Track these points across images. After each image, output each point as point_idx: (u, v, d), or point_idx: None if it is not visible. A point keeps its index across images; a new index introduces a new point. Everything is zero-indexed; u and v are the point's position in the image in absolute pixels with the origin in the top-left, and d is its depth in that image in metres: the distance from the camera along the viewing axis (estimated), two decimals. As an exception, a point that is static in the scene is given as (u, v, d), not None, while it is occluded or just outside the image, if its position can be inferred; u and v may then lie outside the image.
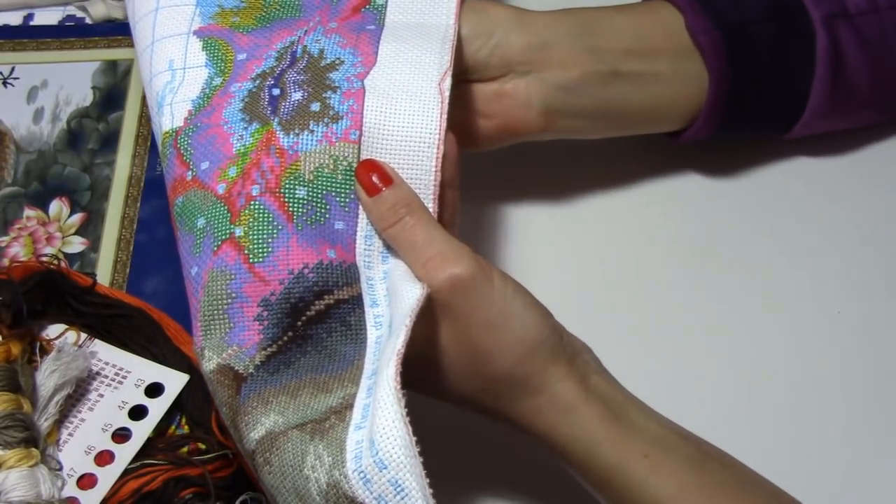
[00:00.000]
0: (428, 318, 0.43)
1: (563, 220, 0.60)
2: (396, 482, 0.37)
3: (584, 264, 0.58)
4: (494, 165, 0.61)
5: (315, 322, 0.44)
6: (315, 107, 0.47)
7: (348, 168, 0.46)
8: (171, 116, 0.49)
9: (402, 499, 0.37)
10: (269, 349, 0.43)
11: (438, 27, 0.50)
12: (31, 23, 0.72)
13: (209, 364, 0.43)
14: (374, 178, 0.45)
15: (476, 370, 0.43)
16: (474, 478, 0.51)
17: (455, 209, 0.48)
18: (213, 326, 0.43)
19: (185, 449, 0.51)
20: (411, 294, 0.42)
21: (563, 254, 0.59)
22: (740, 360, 0.55)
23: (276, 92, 0.48)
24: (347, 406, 0.41)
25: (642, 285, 0.57)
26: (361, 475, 0.37)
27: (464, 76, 0.52)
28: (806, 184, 0.61)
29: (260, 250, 0.44)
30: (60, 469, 0.50)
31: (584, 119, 0.55)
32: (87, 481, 0.50)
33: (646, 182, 0.61)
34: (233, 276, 0.44)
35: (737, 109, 0.56)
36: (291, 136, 0.46)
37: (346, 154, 0.46)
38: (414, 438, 0.37)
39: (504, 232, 0.60)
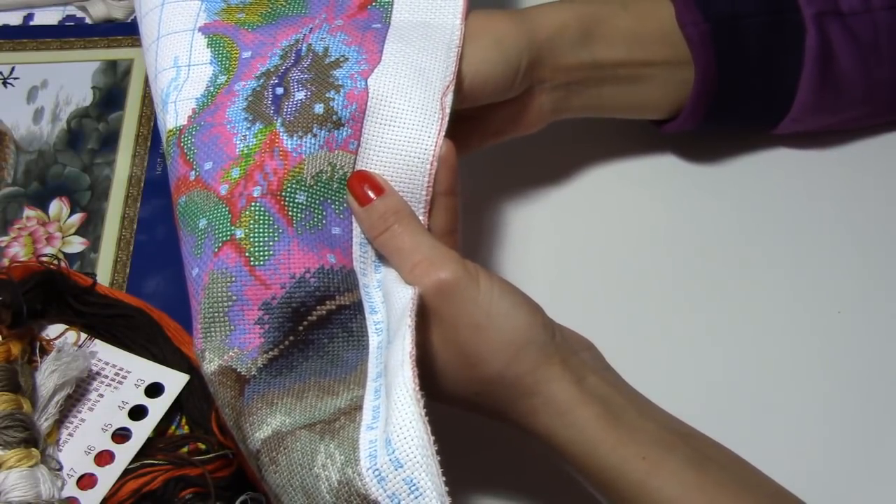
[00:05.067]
0: (418, 324, 0.43)
1: (561, 218, 0.60)
2: (411, 481, 0.37)
3: (583, 262, 0.58)
4: (490, 165, 0.61)
5: (317, 327, 0.44)
6: (318, 109, 0.47)
7: (343, 177, 0.46)
8: (175, 114, 0.49)
9: (416, 498, 0.37)
10: (270, 353, 0.43)
11: (445, 28, 0.50)
12: (31, 23, 0.72)
13: (210, 366, 0.43)
14: (366, 189, 0.46)
15: (469, 374, 0.43)
16: (490, 478, 0.51)
17: (456, 216, 0.48)
18: (213, 329, 0.43)
19: (185, 449, 0.51)
20: (404, 295, 0.42)
21: (561, 251, 0.59)
22: (740, 359, 0.55)
23: (279, 91, 0.48)
24: (356, 407, 0.41)
25: (642, 284, 0.57)
26: (376, 473, 0.37)
27: (490, 101, 0.53)
28: (808, 181, 0.61)
29: (261, 253, 0.44)
30: (60, 469, 0.50)
31: (578, 111, 0.57)
32: (87, 481, 0.50)
33: (648, 180, 0.61)
34: (233, 279, 0.44)
35: (722, 102, 0.56)
36: (295, 139, 0.46)
37: (343, 163, 0.46)
38: (432, 438, 0.37)
39: (501, 230, 0.60)
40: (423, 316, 0.43)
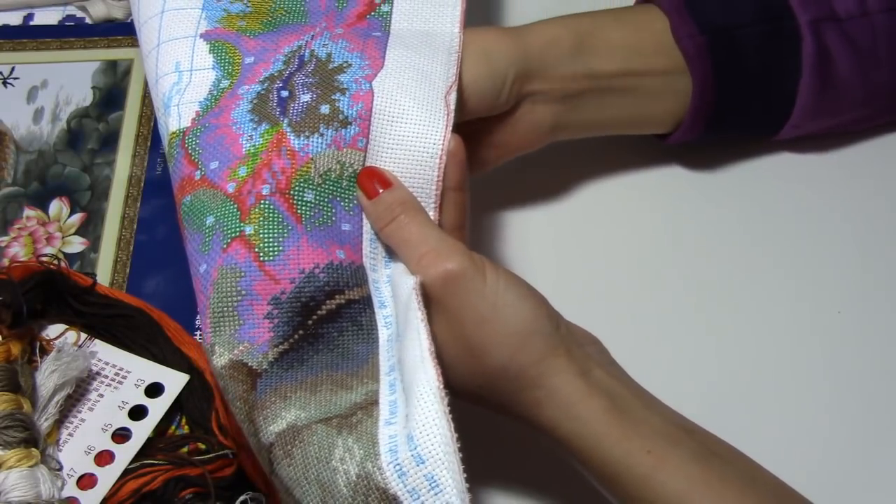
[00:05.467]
0: (429, 315, 0.43)
1: (563, 225, 0.60)
2: (432, 477, 0.37)
3: (585, 267, 0.58)
4: (492, 173, 0.61)
5: (326, 321, 0.44)
6: (324, 109, 0.47)
7: (353, 175, 0.47)
8: (178, 117, 0.50)
9: (436, 494, 0.37)
10: (280, 346, 0.43)
11: (444, 35, 0.51)
12: (31, 23, 0.72)
13: (220, 360, 0.43)
14: (375, 183, 0.46)
15: (474, 366, 0.43)
16: (501, 475, 0.51)
17: (465, 211, 0.48)
18: (222, 323, 0.44)
19: (185, 449, 0.51)
20: (406, 284, 0.43)
21: (563, 257, 0.59)
22: (741, 360, 0.55)
23: (284, 94, 0.48)
24: (372, 402, 0.41)
25: (642, 285, 0.58)
26: (397, 468, 0.38)
27: (478, 116, 0.52)
28: (807, 183, 0.61)
29: (270, 249, 0.44)
30: (60, 469, 0.50)
31: (580, 129, 0.56)
32: (87, 481, 0.50)
33: (647, 183, 0.61)
34: (243, 274, 0.44)
35: (721, 113, 0.56)
36: (302, 139, 0.47)
37: (352, 161, 0.47)
38: (455, 436, 0.38)
39: (504, 237, 0.60)
40: (428, 307, 0.43)
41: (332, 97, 0.47)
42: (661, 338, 0.56)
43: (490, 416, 0.47)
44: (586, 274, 0.58)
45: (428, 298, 0.43)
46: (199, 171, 0.47)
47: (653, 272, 0.58)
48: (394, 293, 0.45)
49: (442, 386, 0.39)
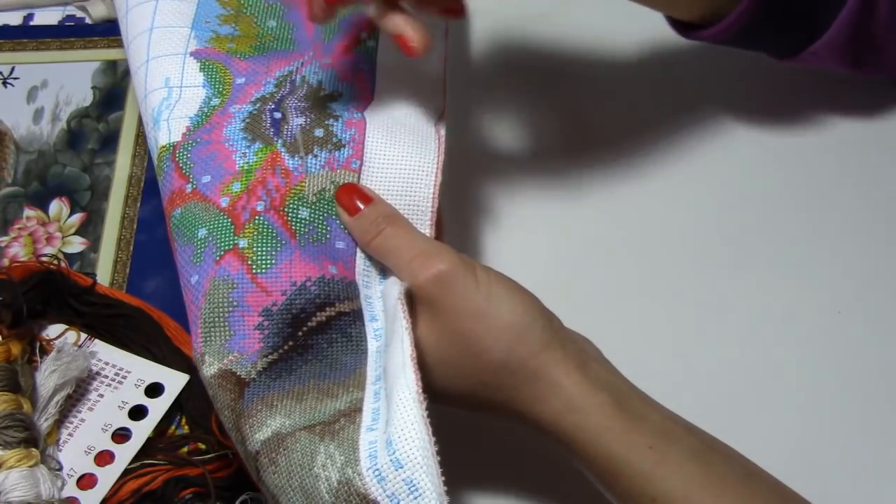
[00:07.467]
0: (416, 321, 0.43)
1: (563, 219, 0.60)
2: (411, 481, 0.37)
3: (582, 265, 0.58)
4: (492, 163, 0.61)
5: (316, 332, 0.44)
6: (319, 132, 0.48)
7: None
8: (168, 131, 0.50)
9: (416, 498, 0.37)
10: (270, 356, 0.43)
11: (430, 66, 0.52)
12: (31, 23, 0.72)
13: (210, 369, 0.43)
14: (355, 199, 0.47)
15: (472, 363, 0.43)
16: (487, 479, 0.51)
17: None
18: (213, 333, 0.44)
19: (185, 449, 0.51)
20: (393, 296, 0.43)
21: (562, 252, 0.59)
22: (740, 359, 0.55)
23: (277, 115, 0.49)
24: (356, 409, 0.41)
25: (641, 286, 0.57)
26: (376, 473, 0.38)
27: None
28: (806, 182, 0.61)
29: (263, 262, 0.45)
30: (60, 469, 0.50)
31: None
32: (87, 481, 0.50)
33: (645, 180, 0.61)
34: (235, 286, 0.44)
35: (762, 21, 0.53)
36: (296, 158, 0.48)
37: (345, 181, 0.47)
38: (433, 439, 0.38)
39: (498, 232, 0.60)
40: (420, 313, 0.44)
41: (326, 122, 0.49)
42: (659, 338, 0.56)
43: (470, 419, 0.47)
44: (584, 275, 0.58)
45: (420, 303, 0.44)
46: (190, 185, 0.48)
47: (649, 272, 0.58)
48: (384, 306, 0.45)
49: (421, 390, 0.39)
